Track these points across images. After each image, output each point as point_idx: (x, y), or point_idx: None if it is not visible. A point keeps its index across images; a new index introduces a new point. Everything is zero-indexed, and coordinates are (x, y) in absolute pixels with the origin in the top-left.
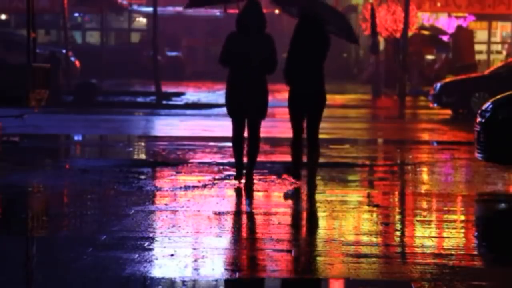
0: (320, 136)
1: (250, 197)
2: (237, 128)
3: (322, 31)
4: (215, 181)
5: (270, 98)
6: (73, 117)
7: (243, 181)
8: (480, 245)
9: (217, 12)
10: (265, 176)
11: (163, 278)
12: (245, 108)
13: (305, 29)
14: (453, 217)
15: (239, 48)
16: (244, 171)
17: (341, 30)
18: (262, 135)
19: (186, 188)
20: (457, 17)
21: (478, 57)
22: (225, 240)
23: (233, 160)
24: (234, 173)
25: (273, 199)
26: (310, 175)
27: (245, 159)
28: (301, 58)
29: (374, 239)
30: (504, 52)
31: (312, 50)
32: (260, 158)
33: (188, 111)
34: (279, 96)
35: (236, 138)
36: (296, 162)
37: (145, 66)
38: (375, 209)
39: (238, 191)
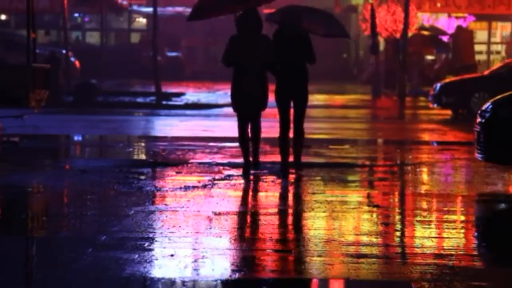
0: (320, 136)
1: (250, 197)
2: (242, 124)
3: (300, 36)
4: (215, 181)
5: (271, 98)
6: (73, 117)
7: (250, 177)
8: (480, 245)
9: None
10: (265, 176)
11: (163, 278)
12: (248, 102)
13: (284, 35)
14: (453, 217)
15: (240, 49)
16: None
17: (331, 28)
18: (262, 135)
19: (186, 188)
20: (457, 18)
21: (478, 57)
22: (225, 240)
23: (233, 160)
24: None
25: (273, 199)
26: (296, 159)
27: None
28: (284, 57)
29: (374, 240)
30: (503, 53)
31: (292, 50)
32: (260, 158)
33: (188, 111)
34: None
35: (242, 135)
36: (284, 158)
37: (145, 66)
38: (375, 209)
39: (238, 191)
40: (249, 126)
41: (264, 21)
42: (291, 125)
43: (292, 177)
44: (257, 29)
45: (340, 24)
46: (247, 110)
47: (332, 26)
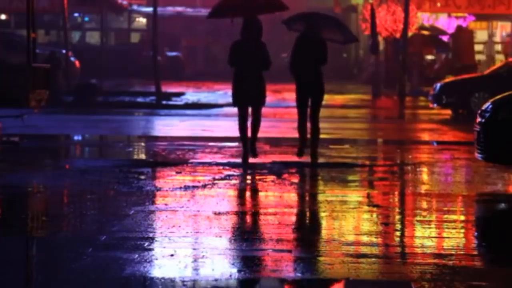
0: (321, 136)
1: (250, 197)
2: (242, 116)
3: (319, 42)
4: (215, 181)
5: (272, 98)
6: (73, 117)
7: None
8: (480, 245)
9: None
10: (265, 176)
11: (163, 278)
12: (248, 98)
13: (306, 41)
14: (453, 217)
15: (242, 52)
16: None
17: (340, 34)
18: (262, 135)
19: (186, 188)
20: (457, 17)
21: (477, 57)
22: (225, 240)
23: (232, 160)
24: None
25: (273, 199)
26: (312, 148)
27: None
28: (303, 60)
29: (374, 239)
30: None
31: (311, 54)
32: (260, 158)
33: (188, 111)
34: (279, 96)
35: (242, 125)
36: (302, 141)
37: (145, 66)
38: (375, 209)
39: (238, 191)
40: (249, 123)
41: (282, 23)
42: (308, 123)
43: (292, 177)
44: (257, 36)
45: (349, 29)
46: (247, 102)
47: (346, 32)
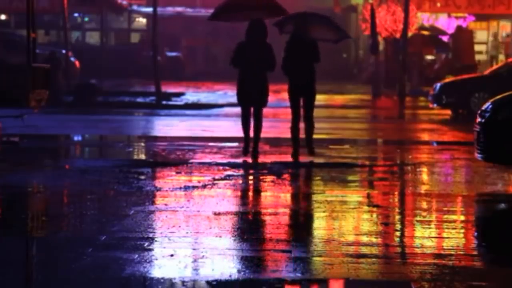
0: (320, 136)
1: (250, 197)
2: (245, 114)
3: (309, 42)
4: (215, 181)
5: (272, 98)
6: (73, 117)
7: (249, 157)
8: (480, 245)
9: None
10: (265, 176)
11: (163, 278)
12: (251, 98)
13: (297, 41)
14: (453, 217)
15: (246, 54)
16: (251, 150)
17: (334, 32)
18: (262, 135)
19: (186, 188)
20: (457, 18)
21: (477, 57)
22: (225, 240)
23: (232, 160)
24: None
25: (273, 199)
26: (308, 144)
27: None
28: (296, 61)
29: (374, 239)
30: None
31: (303, 55)
32: (260, 158)
33: (188, 111)
34: (279, 96)
35: (245, 122)
36: (295, 142)
37: (145, 66)
38: (375, 209)
39: (238, 191)
40: (252, 122)
41: (274, 26)
42: (301, 120)
43: (292, 177)
44: (262, 38)
45: (341, 26)
46: (249, 102)
47: (337, 29)
